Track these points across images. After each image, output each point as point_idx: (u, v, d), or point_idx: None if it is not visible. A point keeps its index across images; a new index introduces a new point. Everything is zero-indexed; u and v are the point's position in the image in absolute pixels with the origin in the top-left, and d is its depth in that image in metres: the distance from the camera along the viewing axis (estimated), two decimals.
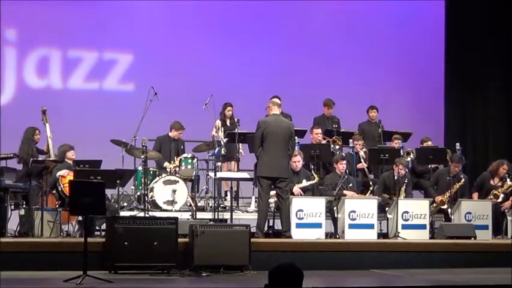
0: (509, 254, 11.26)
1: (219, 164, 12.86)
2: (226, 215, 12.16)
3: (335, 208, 12.04)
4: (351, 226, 11.83)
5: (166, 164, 12.74)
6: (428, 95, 17.08)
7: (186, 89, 15.31)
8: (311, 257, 10.39)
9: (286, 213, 11.19)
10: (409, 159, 13.46)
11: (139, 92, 14.28)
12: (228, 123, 13.52)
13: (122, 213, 11.45)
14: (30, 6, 14.76)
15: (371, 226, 11.90)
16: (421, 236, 12.03)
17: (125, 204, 12.37)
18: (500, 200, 12.96)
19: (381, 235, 12.41)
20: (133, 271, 9.40)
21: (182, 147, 13.25)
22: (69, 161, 11.63)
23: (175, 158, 12.78)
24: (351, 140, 13.55)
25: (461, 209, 12.60)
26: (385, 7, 16.97)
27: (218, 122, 13.48)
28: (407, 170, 12.87)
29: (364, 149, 13.64)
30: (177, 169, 12.53)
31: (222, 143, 12.64)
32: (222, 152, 12.65)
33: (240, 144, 13.16)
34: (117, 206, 11.63)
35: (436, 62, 17.07)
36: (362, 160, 13.53)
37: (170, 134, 13.24)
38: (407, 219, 12.12)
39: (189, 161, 12.63)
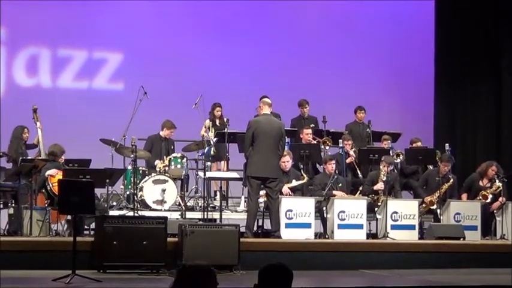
0: (498, 254, 11.31)
1: (209, 163, 12.85)
2: (216, 215, 12.17)
3: (324, 208, 12.04)
4: (340, 226, 11.83)
5: (157, 161, 12.71)
6: (418, 96, 17.07)
7: (175, 88, 15.28)
8: (300, 257, 10.39)
9: (275, 213, 11.19)
10: (398, 160, 13.49)
11: (129, 91, 14.23)
12: (217, 123, 13.49)
13: (111, 213, 11.42)
14: (20, 4, 14.69)
15: (360, 226, 11.91)
16: (410, 237, 12.03)
17: (114, 203, 12.34)
18: (489, 200, 12.97)
19: (370, 235, 12.42)
20: (122, 270, 9.39)
21: (172, 147, 13.23)
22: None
23: (165, 157, 12.76)
24: (340, 140, 13.55)
25: (450, 210, 12.63)
26: (375, 7, 16.96)
27: (208, 122, 13.45)
28: (395, 169, 12.91)
29: (354, 149, 13.64)
30: (167, 168, 12.51)
31: (212, 143, 12.63)
32: (212, 152, 12.64)
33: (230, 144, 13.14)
34: (106, 205, 11.61)
35: (425, 62, 17.06)
36: (350, 154, 13.51)
37: (161, 133, 13.21)
38: (397, 220, 12.12)
39: (179, 160, 12.61)
